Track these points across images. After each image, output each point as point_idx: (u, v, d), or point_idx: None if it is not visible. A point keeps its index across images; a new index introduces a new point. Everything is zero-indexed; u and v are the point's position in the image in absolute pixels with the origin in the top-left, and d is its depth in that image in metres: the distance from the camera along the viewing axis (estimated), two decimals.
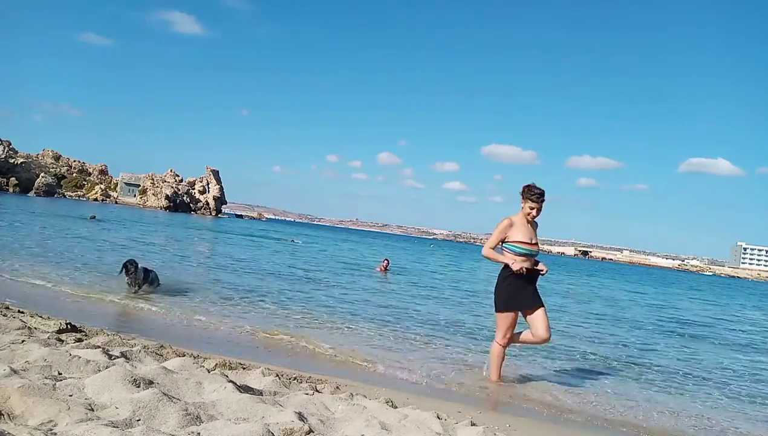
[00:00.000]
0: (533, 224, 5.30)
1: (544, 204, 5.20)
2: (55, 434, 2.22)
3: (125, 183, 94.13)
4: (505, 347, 5.38)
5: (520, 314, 5.31)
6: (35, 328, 4.30)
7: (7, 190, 74.72)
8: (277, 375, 3.90)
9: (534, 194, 5.15)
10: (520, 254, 5.15)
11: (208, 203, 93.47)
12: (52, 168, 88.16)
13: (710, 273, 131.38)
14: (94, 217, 30.57)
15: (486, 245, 5.28)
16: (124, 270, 8.05)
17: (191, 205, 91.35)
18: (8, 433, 2.10)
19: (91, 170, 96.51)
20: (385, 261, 18.49)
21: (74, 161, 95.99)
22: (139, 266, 8.23)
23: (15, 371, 2.77)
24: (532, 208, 5.16)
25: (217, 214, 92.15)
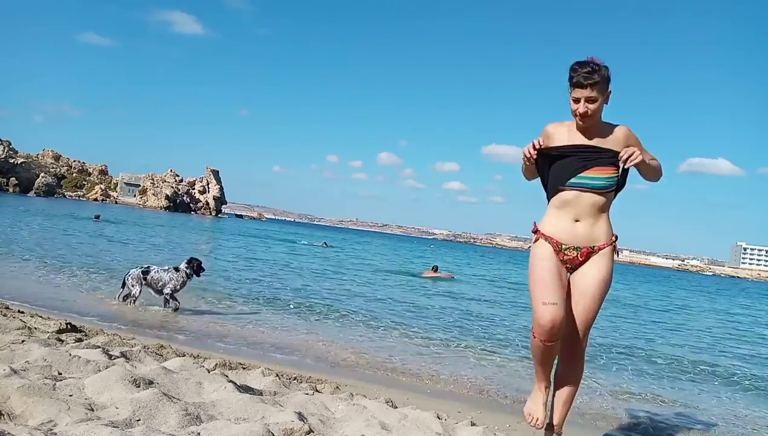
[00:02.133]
0: (600, 132, 2.96)
1: (600, 87, 2.84)
2: (55, 434, 2.22)
3: (125, 183, 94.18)
4: (544, 342, 2.91)
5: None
6: (35, 328, 4.30)
7: (7, 190, 74.74)
8: (277, 375, 3.90)
9: (576, 74, 2.85)
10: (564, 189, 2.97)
11: (208, 203, 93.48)
12: (52, 168, 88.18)
13: (710, 273, 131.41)
14: (98, 217, 30.55)
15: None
16: (188, 266, 7.29)
17: (191, 205, 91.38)
18: (8, 433, 2.10)
19: (91, 170, 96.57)
20: (436, 268, 18.41)
21: (74, 161, 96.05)
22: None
23: (15, 371, 2.77)
24: (576, 101, 2.87)
25: (217, 214, 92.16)
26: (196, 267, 7.38)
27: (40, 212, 32.06)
